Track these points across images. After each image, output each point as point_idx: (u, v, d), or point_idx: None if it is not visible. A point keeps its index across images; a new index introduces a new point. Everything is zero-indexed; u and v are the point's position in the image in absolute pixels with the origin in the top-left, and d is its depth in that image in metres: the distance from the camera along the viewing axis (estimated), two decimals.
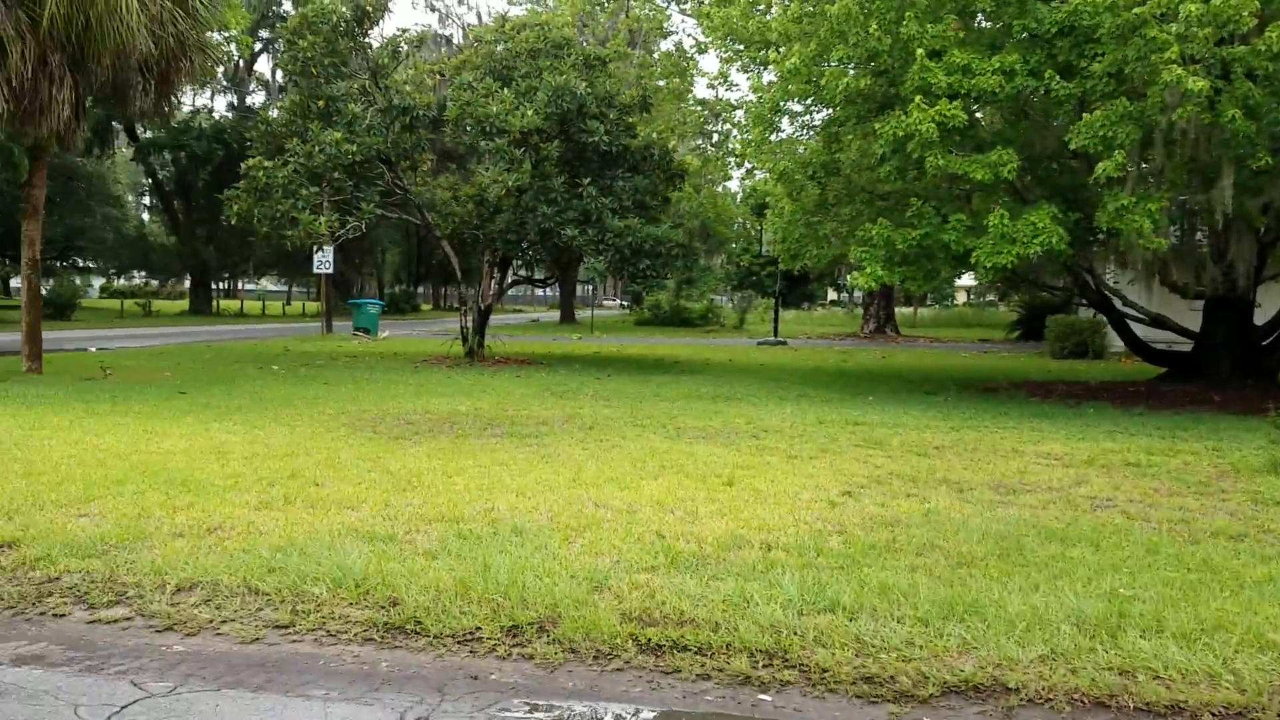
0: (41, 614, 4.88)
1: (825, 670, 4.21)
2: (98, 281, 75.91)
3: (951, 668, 4.21)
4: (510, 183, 18.74)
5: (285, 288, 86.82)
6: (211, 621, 4.76)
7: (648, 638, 4.50)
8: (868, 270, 14.18)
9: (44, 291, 20.97)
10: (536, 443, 9.96)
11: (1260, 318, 16.70)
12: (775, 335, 34.76)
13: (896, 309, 43.82)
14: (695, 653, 4.39)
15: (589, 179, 19.42)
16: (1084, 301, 19.55)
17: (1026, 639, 4.47)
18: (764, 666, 4.27)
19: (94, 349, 24.44)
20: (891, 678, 4.15)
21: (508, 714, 3.82)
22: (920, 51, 12.97)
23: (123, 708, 3.82)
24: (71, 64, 15.11)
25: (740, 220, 59.73)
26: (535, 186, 19.08)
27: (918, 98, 12.93)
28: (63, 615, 4.88)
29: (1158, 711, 3.91)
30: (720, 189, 63.28)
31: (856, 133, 15.77)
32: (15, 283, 55.39)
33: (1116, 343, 21.45)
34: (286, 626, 4.71)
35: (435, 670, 4.26)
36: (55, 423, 10.63)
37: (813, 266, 19.88)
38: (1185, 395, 15.30)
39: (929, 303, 55.41)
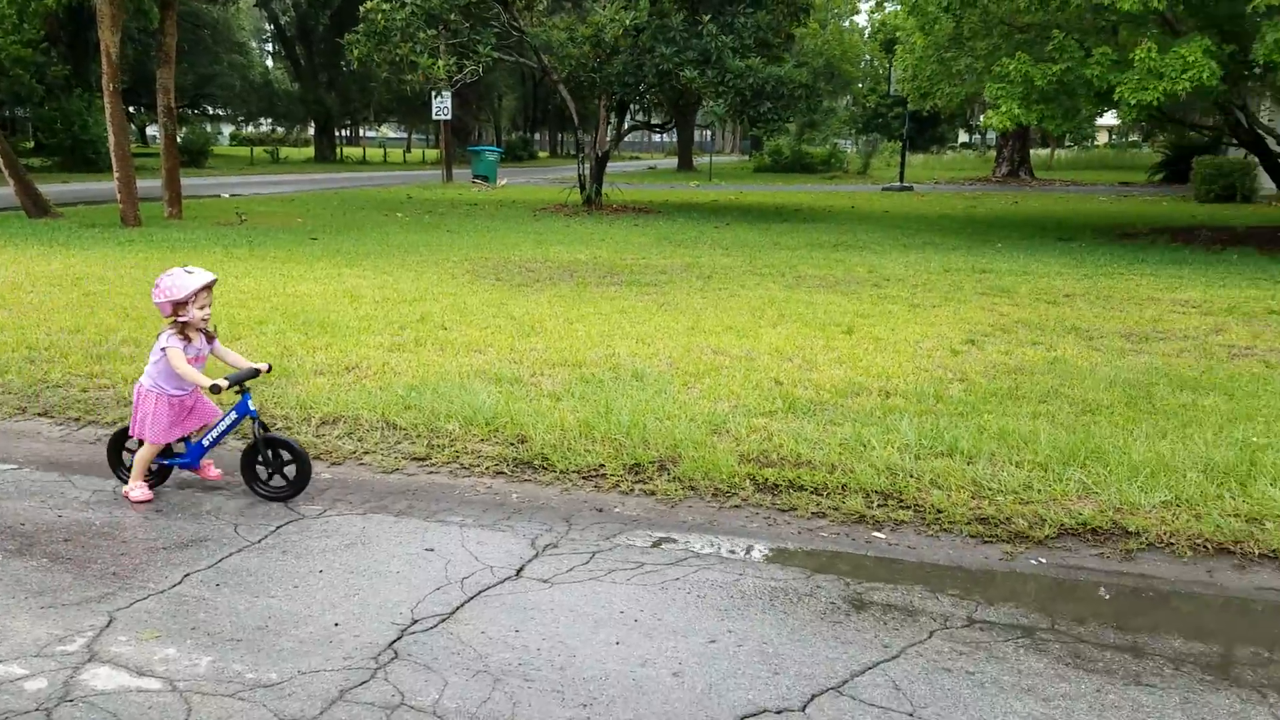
0: None
1: (940, 511, 4.28)
2: (227, 129, 77.97)
3: (1070, 511, 4.23)
4: (627, 21, 18.34)
5: (405, 135, 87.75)
6: (355, 453, 5.08)
7: (765, 477, 4.63)
8: (1003, 109, 13.56)
9: (178, 139, 21.63)
10: (656, 291, 10.06)
11: None
12: (901, 181, 33.68)
13: (1032, 151, 41.79)
14: (811, 493, 4.50)
15: (709, 16, 18.83)
16: (1234, 141, 18.30)
17: (1150, 485, 4.43)
18: (878, 506, 4.36)
19: (227, 195, 25.36)
20: (1007, 519, 4.19)
21: (632, 543, 4.02)
22: None
23: (278, 528, 4.16)
24: None
25: (867, 58, 57.15)
26: (653, 25, 18.64)
27: None
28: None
29: None
30: (847, 24, 60.37)
31: None
32: (151, 131, 57.34)
33: (1268, 184, 20.20)
34: (423, 459, 5.00)
35: (562, 502, 4.49)
36: (197, 266, 11.13)
37: (944, 106, 19.08)
38: None
39: (1067, 144, 52.39)
